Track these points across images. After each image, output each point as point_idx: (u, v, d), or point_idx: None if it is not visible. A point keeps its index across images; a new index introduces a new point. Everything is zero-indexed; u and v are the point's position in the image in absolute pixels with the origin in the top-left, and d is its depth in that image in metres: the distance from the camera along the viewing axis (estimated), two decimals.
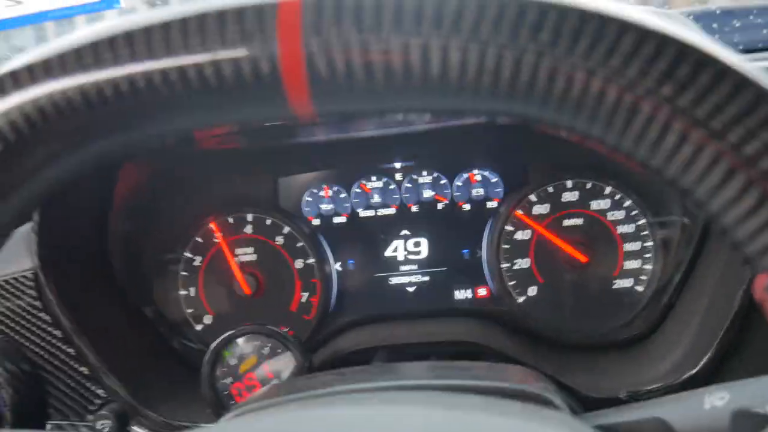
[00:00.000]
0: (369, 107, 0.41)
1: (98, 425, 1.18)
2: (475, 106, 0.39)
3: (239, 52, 0.37)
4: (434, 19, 0.36)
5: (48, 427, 1.22)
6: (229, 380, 1.15)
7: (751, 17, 1.60)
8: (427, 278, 1.38)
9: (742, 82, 0.34)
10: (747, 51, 1.37)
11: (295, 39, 0.37)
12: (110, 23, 0.40)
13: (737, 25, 1.57)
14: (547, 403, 0.80)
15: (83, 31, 0.40)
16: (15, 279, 1.18)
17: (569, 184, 1.31)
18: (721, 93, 0.34)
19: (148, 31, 0.38)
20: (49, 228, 1.16)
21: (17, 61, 0.40)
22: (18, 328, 1.21)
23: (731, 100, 0.34)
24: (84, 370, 1.21)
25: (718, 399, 0.74)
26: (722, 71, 0.34)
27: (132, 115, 0.41)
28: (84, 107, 0.39)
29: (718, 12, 1.71)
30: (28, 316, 1.20)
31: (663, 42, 0.34)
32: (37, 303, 1.19)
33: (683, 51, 0.34)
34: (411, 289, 1.39)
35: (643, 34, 0.34)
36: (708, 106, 0.34)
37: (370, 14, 0.36)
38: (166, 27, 0.38)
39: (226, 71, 0.38)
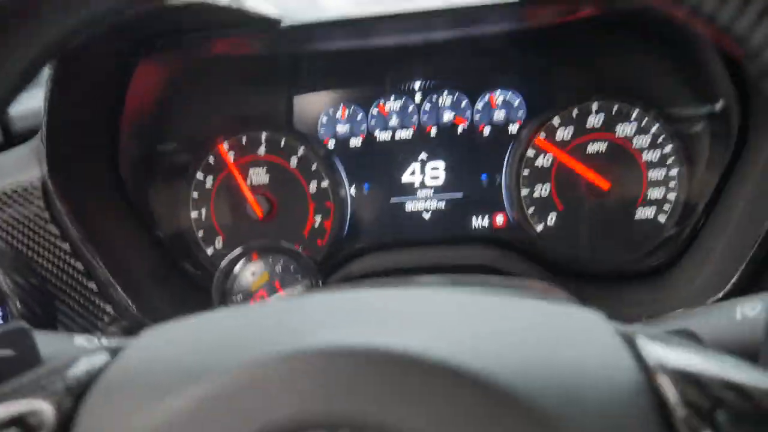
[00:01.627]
0: None
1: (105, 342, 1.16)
2: None
3: None
4: None
5: None
6: (240, 297, 1.13)
7: None
8: (443, 204, 1.35)
9: None
10: None
11: None
12: None
13: None
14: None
15: None
16: (24, 189, 1.16)
17: (594, 106, 1.26)
18: None
19: None
20: (58, 137, 1.13)
21: None
22: (26, 240, 1.18)
23: None
24: (92, 285, 1.18)
25: (750, 309, 0.71)
26: None
27: None
28: None
29: None
30: (37, 228, 1.18)
31: None
32: (45, 214, 1.16)
33: None
34: (427, 216, 1.35)
35: None
36: None
37: None
38: None
39: None
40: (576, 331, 0.40)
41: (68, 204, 1.14)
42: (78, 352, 0.69)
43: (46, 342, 0.76)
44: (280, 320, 0.43)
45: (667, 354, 0.38)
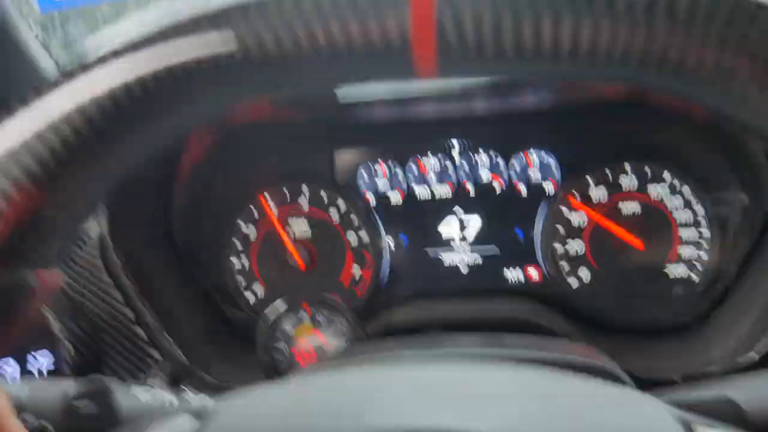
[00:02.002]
0: (493, 72, 0.41)
1: (152, 384, 1.20)
2: (604, 75, 0.39)
3: (370, 18, 0.38)
4: None
5: None
6: (283, 345, 1.17)
7: None
8: (479, 258, 1.38)
9: None
10: None
11: (428, 6, 0.37)
12: None
13: None
14: (613, 378, 0.80)
15: None
16: (81, 241, 1.21)
17: (627, 167, 1.30)
18: None
19: None
20: (118, 194, 1.19)
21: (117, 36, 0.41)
22: (79, 288, 1.24)
23: None
24: (140, 331, 1.23)
25: None
26: None
27: (273, 70, 0.41)
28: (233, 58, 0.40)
29: None
30: (91, 277, 1.23)
31: None
32: (99, 263, 1.22)
33: None
34: (464, 269, 1.39)
35: None
36: None
37: None
38: None
39: (355, 34, 0.38)
40: (636, 419, 0.43)
41: (123, 257, 1.20)
42: (148, 407, 0.73)
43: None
44: (355, 397, 0.46)
45: None
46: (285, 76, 0.41)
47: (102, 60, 0.41)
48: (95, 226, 1.21)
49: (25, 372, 1.20)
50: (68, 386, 0.66)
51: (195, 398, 0.84)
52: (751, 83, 0.35)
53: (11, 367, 1.18)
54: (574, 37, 0.36)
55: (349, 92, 1.20)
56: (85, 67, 0.41)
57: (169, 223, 1.34)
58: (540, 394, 0.46)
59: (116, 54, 0.40)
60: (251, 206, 1.40)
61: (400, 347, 0.87)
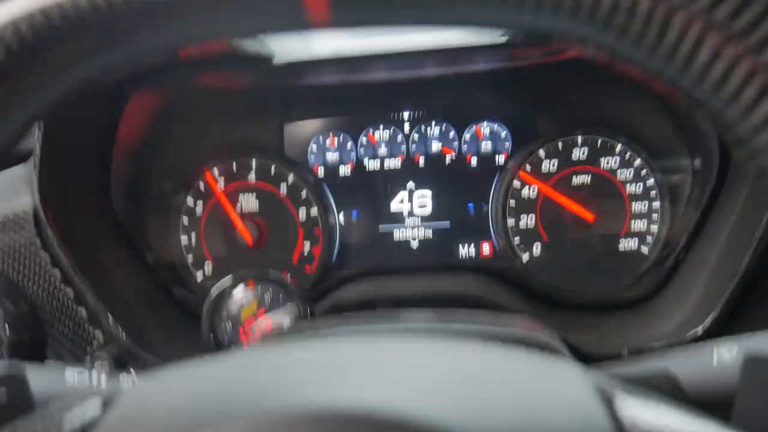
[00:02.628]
0: (388, 18, 0.39)
1: (95, 367, 1.17)
2: (508, 20, 0.37)
3: None
4: None
5: None
6: (229, 326, 1.14)
7: None
8: (431, 233, 1.37)
9: None
10: None
11: None
12: None
13: None
14: (553, 351, 0.80)
15: None
16: (15, 215, 1.16)
17: (579, 139, 1.28)
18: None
19: None
20: (50, 165, 1.14)
21: None
22: (17, 267, 1.19)
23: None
24: (82, 311, 1.19)
25: (726, 351, 0.73)
26: None
27: (144, 22, 0.39)
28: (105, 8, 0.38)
29: None
30: (28, 255, 1.18)
31: None
32: (36, 241, 1.17)
33: None
34: (414, 244, 1.37)
35: None
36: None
37: None
38: None
39: None
40: (554, 389, 0.42)
41: (59, 231, 1.15)
42: (69, 392, 0.70)
43: (37, 377, 0.77)
44: (272, 374, 0.44)
45: (645, 415, 0.40)
46: (174, 24, 0.39)
47: None
48: (30, 202, 1.16)
49: None
50: None
51: (128, 381, 0.81)
52: None
53: None
54: None
55: (284, 53, 1.16)
56: None
57: (109, 195, 1.29)
58: (455, 365, 0.45)
59: None
60: (197, 179, 1.36)
61: (340, 324, 0.86)
